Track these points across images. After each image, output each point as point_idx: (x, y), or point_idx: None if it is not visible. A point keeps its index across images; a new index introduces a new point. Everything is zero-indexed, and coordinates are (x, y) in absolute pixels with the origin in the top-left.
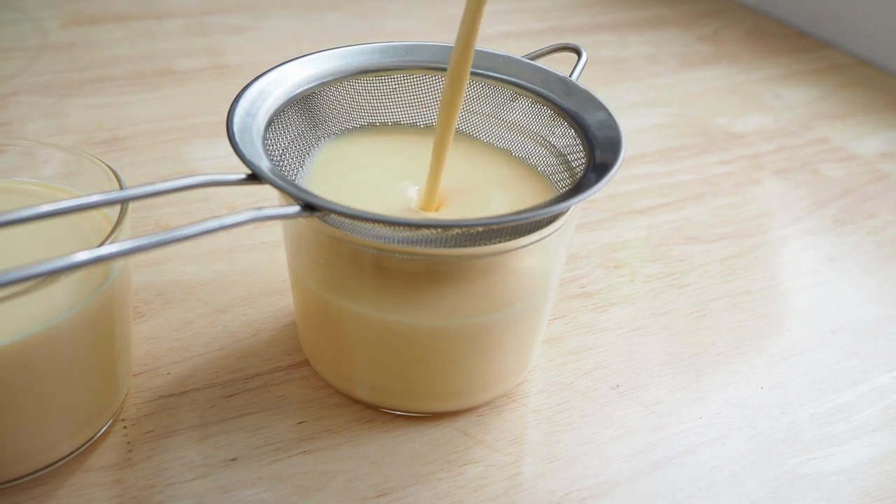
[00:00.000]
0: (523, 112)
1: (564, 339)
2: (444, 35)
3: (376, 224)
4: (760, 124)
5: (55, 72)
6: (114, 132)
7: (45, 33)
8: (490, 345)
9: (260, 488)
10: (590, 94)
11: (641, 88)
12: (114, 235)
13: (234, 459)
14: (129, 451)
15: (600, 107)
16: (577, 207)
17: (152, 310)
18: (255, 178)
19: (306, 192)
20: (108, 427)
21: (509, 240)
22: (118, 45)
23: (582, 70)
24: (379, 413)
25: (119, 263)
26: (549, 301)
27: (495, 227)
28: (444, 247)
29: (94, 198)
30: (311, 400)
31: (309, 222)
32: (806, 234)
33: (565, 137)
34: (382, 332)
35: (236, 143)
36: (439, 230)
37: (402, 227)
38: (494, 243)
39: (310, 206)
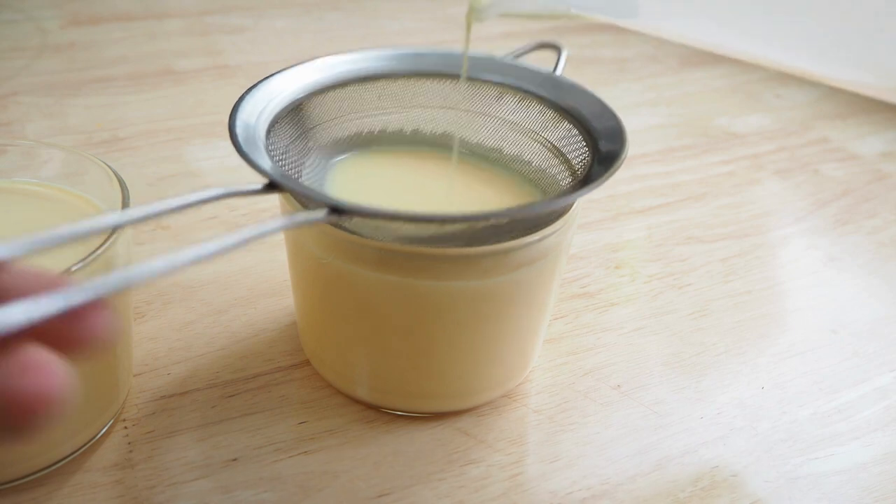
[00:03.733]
0: (515, 111)
1: (565, 339)
2: (444, 35)
3: (404, 222)
4: (760, 124)
5: (55, 72)
6: (114, 132)
7: (45, 33)
8: (491, 343)
9: (261, 488)
10: (583, 88)
11: (642, 88)
12: (114, 237)
13: (235, 460)
14: (130, 451)
15: (596, 100)
16: (579, 206)
17: (153, 310)
18: (272, 186)
19: (329, 197)
20: (109, 427)
21: (522, 235)
22: (118, 45)
23: (564, 65)
24: (380, 413)
25: (120, 263)
26: (551, 301)
27: (515, 217)
28: (456, 245)
29: (109, 219)
30: (312, 400)
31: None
32: (806, 234)
33: (563, 134)
34: (385, 308)
35: (245, 153)
36: (467, 224)
37: (428, 224)
38: (504, 240)
39: (336, 210)
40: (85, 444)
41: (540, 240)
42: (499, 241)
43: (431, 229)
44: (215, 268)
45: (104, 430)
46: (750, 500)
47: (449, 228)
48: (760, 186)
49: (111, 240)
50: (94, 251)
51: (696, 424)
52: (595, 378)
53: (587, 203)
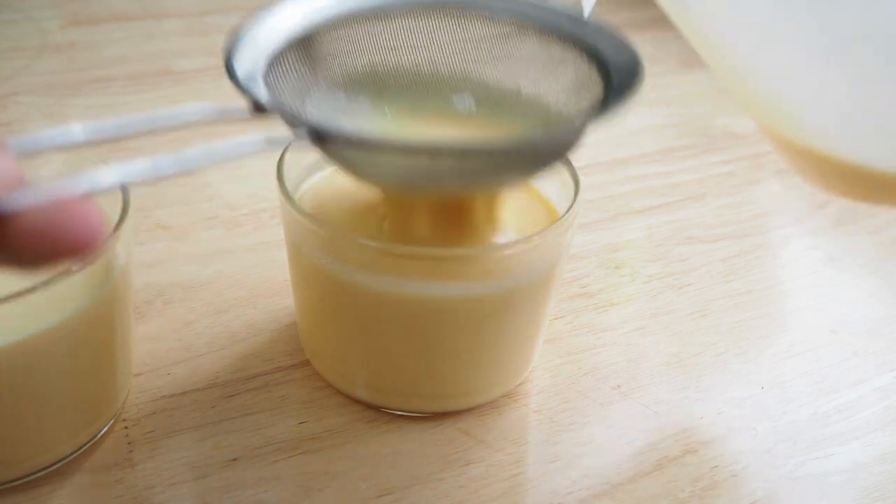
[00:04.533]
0: (536, 50)
1: (565, 339)
2: None
3: (390, 153)
4: None
5: (55, 72)
6: None
7: (45, 33)
8: (491, 343)
9: (261, 489)
10: (601, 24)
11: (642, 88)
12: (115, 235)
13: (235, 460)
14: (130, 451)
15: (614, 36)
16: (580, 205)
17: (153, 310)
18: (260, 109)
19: (312, 120)
20: (110, 427)
21: (527, 174)
22: (118, 45)
23: (594, 4)
24: (380, 413)
25: (120, 263)
26: (551, 301)
27: (519, 149)
28: (456, 183)
29: (88, 130)
30: (312, 400)
31: (313, 224)
32: (806, 234)
33: (581, 74)
34: (385, 308)
35: (235, 75)
36: (457, 157)
37: (418, 154)
38: (508, 179)
39: (317, 133)
40: (85, 444)
41: (540, 240)
42: (502, 179)
43: (422, 162)
44: (215, 268)
45: (104, 430)
46: (750, 500)
47: (443, 162)
48: (760, 186)
49: (111, 240)
50: None
51: (696, 424)
52: (595, 378)
53: (587, 203)
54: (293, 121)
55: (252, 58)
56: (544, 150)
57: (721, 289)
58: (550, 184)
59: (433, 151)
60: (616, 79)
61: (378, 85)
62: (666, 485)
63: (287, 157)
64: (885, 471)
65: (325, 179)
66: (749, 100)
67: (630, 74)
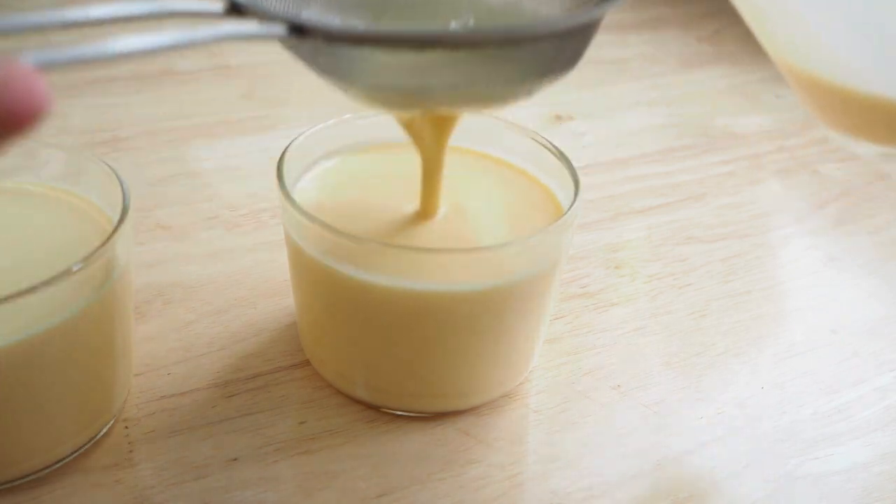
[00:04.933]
0: None
1: (565, 339)
2: None
3: (376, 45)
4: (760, 124)
5: (55, 72)
6: (115, 133)
7: (46, 33)
8: (491, 343)
9: (261, 488)
10: None
11: (642, 88)
12: (115, 236)
13: (235, 459)
14: (131, 451)
15: None
16: (580, 206)
17: (153, 310)
18: (236, 10)
19: (292, 16)
20: (110, 427)
21: (536, 77)
22: None
23: None
24: (380, 413)
25: (120, 263)
26: (551, 301)
27: (516, 39)
28: (454, 90)
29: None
30: (312, 400)
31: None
32: (806, 234)
33: None
34: (385, 308)
35: None
36: (447, 46)
37: (404, 44)
38: (517, 82)
39: (298, 28)
40: (85, 444)
41: (539, 240)
42: (501, 85)
43: (411, 57)
44: (215, 268)
45: (104, 429)
46: (750, 500)
47: (433, 58)
48: (760, 186)
49: (111, 241)
50: (93, 252)
51: (696, 424)
52: (595, 378)
53: (587, 203)
54: (271, 17)
55: None
56: (543, 44)
57: (721, 289)
58: (555, 181)
59: (421, 40)
60: None
61: (374, 7)
62: (666, 485)
63: (287, 156)
64: (885, 471)
65: (325, 177)
66: (777, 37)
67: None
